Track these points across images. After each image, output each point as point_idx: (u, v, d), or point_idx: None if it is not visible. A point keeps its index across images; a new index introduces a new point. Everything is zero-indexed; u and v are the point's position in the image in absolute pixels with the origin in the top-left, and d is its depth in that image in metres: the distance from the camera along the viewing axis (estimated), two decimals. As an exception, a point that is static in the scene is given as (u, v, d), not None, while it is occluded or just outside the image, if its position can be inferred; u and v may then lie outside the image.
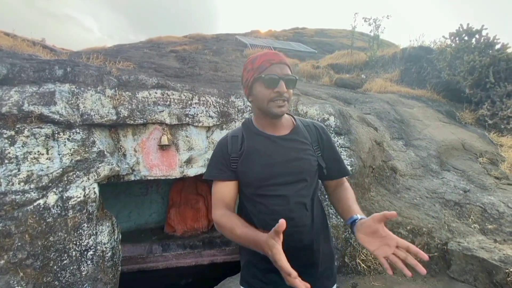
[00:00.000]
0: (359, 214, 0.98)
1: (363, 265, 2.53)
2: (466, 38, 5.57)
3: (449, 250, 2.52)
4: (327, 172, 1.14)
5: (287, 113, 1.15)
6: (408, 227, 2.69)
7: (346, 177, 1.21)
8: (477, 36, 5.44)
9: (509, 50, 5.06)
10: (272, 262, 0.99)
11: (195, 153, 2.77)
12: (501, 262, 2.24)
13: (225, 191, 1.09)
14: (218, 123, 2.83)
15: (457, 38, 5.70)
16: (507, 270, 2.16)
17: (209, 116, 2.81)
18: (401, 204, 2.95)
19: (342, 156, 2.84)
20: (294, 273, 0.77)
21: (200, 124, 2.77)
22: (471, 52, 5.27)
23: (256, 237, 0.90)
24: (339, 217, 2.71)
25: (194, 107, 2.78)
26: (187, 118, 2.73)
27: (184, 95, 2.78)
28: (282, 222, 0.80)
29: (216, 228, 1.07)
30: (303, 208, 1.05)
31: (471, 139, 4.33)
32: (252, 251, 1.02)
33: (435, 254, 2.58)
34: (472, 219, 2.91)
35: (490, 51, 5.13)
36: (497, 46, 5.21)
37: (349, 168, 2.80)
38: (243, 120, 1.18)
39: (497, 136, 4.58)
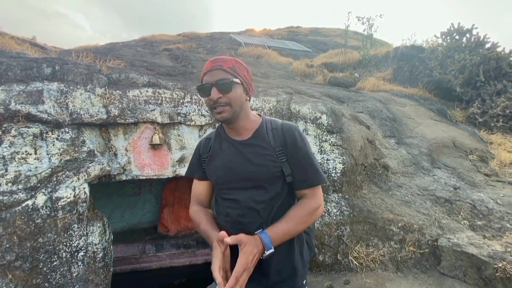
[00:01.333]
0: (267, 231, 0.96)
1: (356, 262, 2.55)
2: (457, 37, 5.64)
3: (439, 246, 2.56)
4: (292, 180, 1.05)
5: (258, 114, 1.15)
6: (399, 224, 2.72)
7: (321, 186, 1.09)
8: (467, 35, 5.51)
9: (499, 49, 5.14)
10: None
11: (187, 152, 2.75)
12: (490, 257, 2.28)
13: (198, 189, 1.18)
14: (210, 122, 2.82)
15: (448, 37, 5.76)
16: (495, 266, 2.20)
17: (202, 115, 2.79)
18: (393, 201, 2.98)
19: (334, 154, 2.86)
20: (219, 279, 0.90)
21: (192, 123, 2.75)
22: (462, 51, 5.33)
23: (211, 235, 1.01)
24: (331, 214, 2.73)
25: (186, 106, 2.76)
26: (179, 117, 2.71)
27: (176, 94, 2.76)
28: (222, 235, 0.92)
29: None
30: (256, 215, 1.02)
31: (462, 137, 4.39)
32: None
33: (426, 250, 2.62)
34: (462, 215, 2.96)
35: (481, 50, 5.20)
36: (487, 45, 5.29)
37: (340, 166, 2.82)
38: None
39: (487, 134, 4.65)
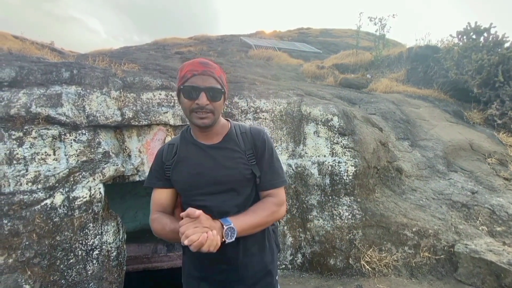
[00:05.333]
0: (230, 219, 0.94)
1: (368, 267, 2.51)
2: (474, 36, 5.47)
3: (456, 253, 2.48)
4: (260, 181, 1.09)
5: (226, 119, 1.13)
6: (414, 229, 2.65)
7: (280, 189, 1.10)
8: (485, 34, 5.33)
9: (518, 49, 4.95)
10: (204, 271, 1.05)
11: (199, 153, 2.79)
12: (509, 265, 2.20)
13: (161, 198, 1.10)
14: (221, 124, 2.84)
15: (464, 37, 5.60)
16: (516, 274, 2.12)
17: (213, 117, 2.82)
18: (407, 205, 2.91)
19: (346, 157, 2.83)
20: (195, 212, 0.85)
21: (204, 125, 2.79)
22: (479, 50, 5.17)
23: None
24: (343, 218, 2.69)
25: (198, 108, 2.80)
26: (191, 119, 2.75)
27: (188, 96, 2.80)
28: (189, 211, 0.86)
29: (154, 233, 1.07)
30: None
31: (479, 139, 4.24)
32: (189, 260, 1.10)
33: (442, 256, 2.54)
34: (480, 221, 2.86)
35: (499, 50, 5.02)
36: (506, 45, 5.10)
37: (352, 169, 2.78)
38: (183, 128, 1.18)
39: (506, 136, 4.48)
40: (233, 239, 0.91)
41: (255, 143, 1.09)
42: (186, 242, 0.81)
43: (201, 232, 0.83)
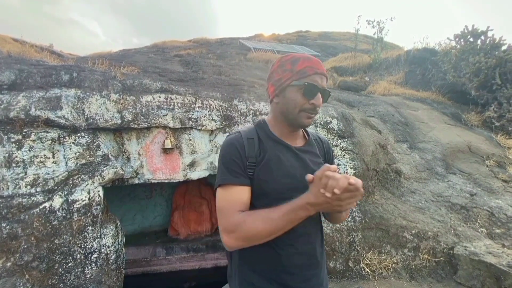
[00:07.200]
0: None
1: (368, 270, 2.50)
2: (471, 39, 5.52)
3: (456, 255, 2.48)
4: None
5: None
6: (413, 231, 2.65)
7: None
8: (482, 37, 5.38)
9: (515, 51, 4.98)
10: (273, 282, 0.94)
11: (198, 156, 2.78)
12: (509, 267, 2.20)
13: (243, 197, 0.93)
14: (221, 126, 2.85)
15: (462, 40, 5.64)
16: (515, 276, 2.12)
17: (212, 119, 2.83)
18: (406, 207, 2.91)
19: (345, 159, 2.84)
20: (356, 181, 0.75)
21: (203, 128, 2.79)
22: (476, 53, 5.21)
23: (300, 200, 0.83)
24: (342, 220, 2.69)
25: (197, 111, 2.80)
26: (190, 122, 2.75)
27: (187, 99, 2.81)
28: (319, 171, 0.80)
29: (239, 240, 0.89)
30: (315, 224, 1.00)
31: (478, 142, 4.26)
32: (255, 270, 0.96)
33: (441, 258, 2.54)
34: (479, 223, 2.86)
35: (496, 52, 5.07)
36: (504, 47, 5.15)
37: (352, 171, 2.79)
38: (256, 121, 1.07)
39: (504, 138, 4.50)
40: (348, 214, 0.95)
41: (328, 150, 1.10)
42: (352, 180, 0.73)
43: None
